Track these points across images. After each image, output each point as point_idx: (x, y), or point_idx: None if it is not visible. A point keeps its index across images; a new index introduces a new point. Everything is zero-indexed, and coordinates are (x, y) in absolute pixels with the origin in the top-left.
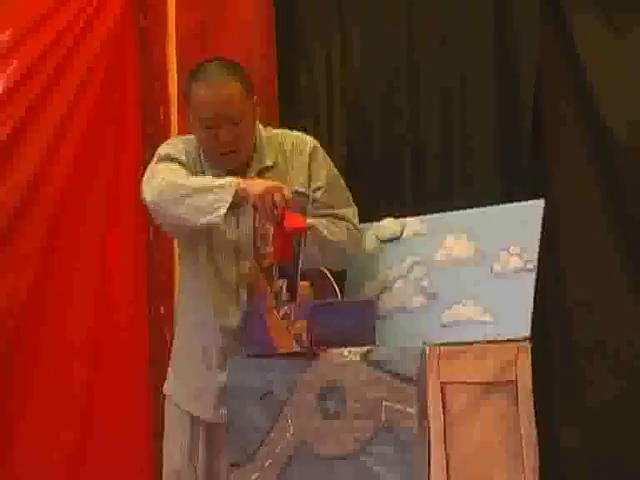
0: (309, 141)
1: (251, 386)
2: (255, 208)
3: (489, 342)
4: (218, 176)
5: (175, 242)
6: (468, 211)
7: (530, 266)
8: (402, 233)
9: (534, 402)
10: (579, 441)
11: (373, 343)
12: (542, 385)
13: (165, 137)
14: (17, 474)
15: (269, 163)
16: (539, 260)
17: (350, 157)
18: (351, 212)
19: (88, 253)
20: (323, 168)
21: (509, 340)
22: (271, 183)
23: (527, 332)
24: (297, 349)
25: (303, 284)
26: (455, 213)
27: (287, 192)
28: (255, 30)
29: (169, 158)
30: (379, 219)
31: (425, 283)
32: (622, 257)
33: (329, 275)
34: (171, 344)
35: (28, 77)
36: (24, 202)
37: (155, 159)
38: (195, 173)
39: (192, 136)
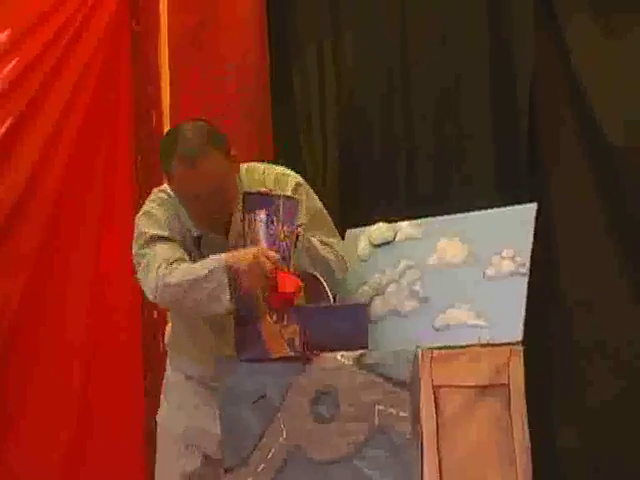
0: (291, 179)
1: (244, 390)
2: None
3: (482, 346)
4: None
5: None
6: (461, 215)
7: (523, 270)
8: (395, 237)
9: (532, 403)
10: (578, 441)
11: (366, 346)
12: (541, 386)
13: (157, 141)
14: (15, 473)
15: (262, 190)
16: (533, 262)
17: (343, 159)
18: (337, 242)
19: (84, 255)
20: (305, 203)
21: (502, 344)
22: (255, 251)
23: (520, 336)
24: (290, 354)
25: None
26: (448, 217)
27: (272, 255)
28: (248, 33)
29: (155, 239)
30: (372, 223)
31: (418, 287)
32: (620, 257)
33: (321, 279)
34: (164, 348)
35: (22, 79)
36: (20, 203)
37: (141, 241)
38: (183, 234)
39: (165, 190)
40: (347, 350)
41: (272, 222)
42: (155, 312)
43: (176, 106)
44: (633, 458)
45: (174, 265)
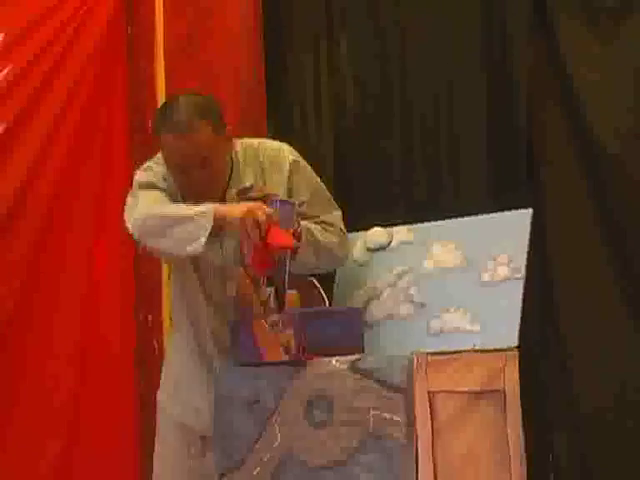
0: (287, 155)
1: (239, 395)
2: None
3: (477, 351)
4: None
5: None
6: (456, 220)
7: (518, 275)
8: (390, 242)
9: (526, 410)
10: (571, 448)
11: (361, 351)
12: (535, 393)
13: (153, 147)
14: None
15: (247, 185)
16: (528, 268)
17: (339, 166)
18: (337, 216)
19: (75, 262)
20: (303, 181)
21: (497, 349)
22: (251, 204)
23: (515, 341)
24: (285, 358)
25: (291, 293)
26: (443, 222)
27: (267, 209)
28: (243, 39)
29: (149, 185)
30: (368, 228)
31: (413, 292)
32: (611, 263)
33: (317, 284)
34: (159, 352)
35: (17, 84)
36: (12, 211)
37: (135, 186)
38: (174, 197)
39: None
40: (342, 354)
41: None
42: (150, 316)
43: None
44: (626, 465)
45: (153, 201)
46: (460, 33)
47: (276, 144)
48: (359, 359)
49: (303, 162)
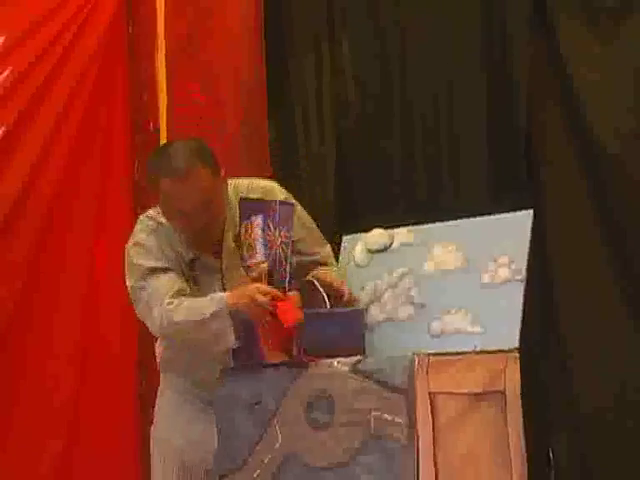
0: (278, 194)
1: (240, 396)
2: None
3: (477, 352)
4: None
5: None
6: (457, 222)
7: (519, 277)
8: (391, 244)
9: (526, 410)
10: (571, 448)
11: (363, 352)
12: (535, 393)
13: (153, 147)
14: None
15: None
16: (528, 269)
17: (339, 167)
18: (328, 250)
19: (76, 262)
20: (296, 219)
21: (498, 350)
22: (250, 290)
23: (516, 342)
24: (287, 360)
25: (292, 295)
26: (443, 224)
27: (267, 289)
28: (244, 39)
29: (152, 271)
30: (368, 230)
31: (414, 293)
32: (612, 264)
33: (318, 285)
34: None
35: (19, 85)
36: (13, 211)
37: (137, 275)
38: (177, 260)
39: (153, 217)
40: (343, 355)
41: (268, 227)
42: None
43: (172, 111)
44: (626, 466)
45: (176, 301)
46: (460, 33)
47: (267, 183)
48: (360, 360)
49: (293, 200)
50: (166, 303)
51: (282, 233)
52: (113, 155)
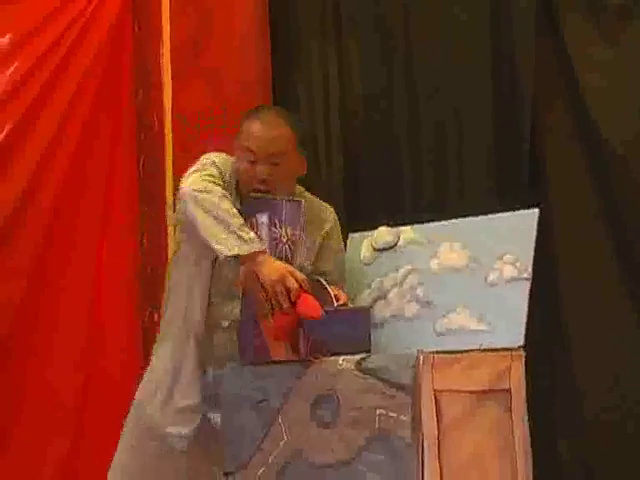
0: (330, 217)
1: (245, 394)
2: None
3: (483, 351)
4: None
5: (169, 250)
6: (463, 220)
7: (524, 275)
8: (397, 242)
9: (530, 411)
10: (576, 452)
11: (369, 350)
12: (540, 397)
13: (159, 146)
14: None
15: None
16: (533, 270)
17: (346, 167)
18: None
19: (82, 261)
20: (332, 252)
21: (503, 349)
22: (285, 269)
23: (521, 341)
24: (293, 357)
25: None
26: (450, 222)
27: (300, 276)
28: (249, 39)
29: (218, 170)
30: (374, 228)
31: (420, 292)
32: (619, 264)
33: (325, 284)
34: None
35: (24, 83)
36: (18, 210)
37: (207, 163)
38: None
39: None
40: (349, 353)
41: (275, 225)
42: (155, 315)
43: (178, 110)
44: (631, 467)
45: (221, 193)
46: (467, 34)
47: (320, 202)
48: (365, 358)
49: (339, 229)
50: (215, 183)
51: (288, 231)
52: (118, 154)
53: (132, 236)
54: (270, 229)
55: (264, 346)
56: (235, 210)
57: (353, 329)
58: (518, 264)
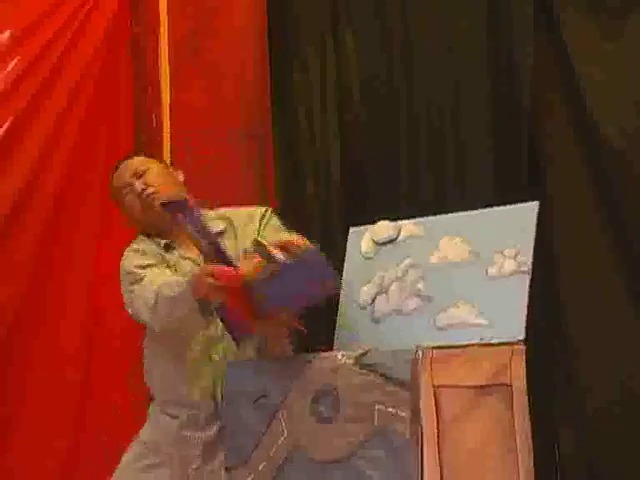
0: (258, 211)
1: (245, 390)
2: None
3: (483, 345)
4: (184, 254)
5: None
6: (463, 214)
7: (525, 269)
8: (398, 235)
9: (532, 405)
10: (578, 446)
11: (338, 287)
12: (541, 391)
13: (157, 144)
14: None
15: (220, 228)
16: (533, 264)
17: (344, 166)
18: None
19: (81, 260)
20: (273, 228)
21: (503, 343)
22: (195, 275)
23: (522, 335)
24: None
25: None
26: (450, 216)
27: (208, 268)
28: (247, 37)
29: (144, 266)
30: (374, 222)
31: (420, 286)
32: (617, 258)
33: (263, 241)
34: None
35: (22, 80)
36: (17, 209)
37: (131, 277)
38: (160, 255)
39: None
40: (319, 296)
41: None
42: None
43: (176, 108)
44: (632, 464)
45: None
46: (466, 33)
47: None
48: (364, 353)
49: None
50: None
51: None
52: (117, 151)
53: (131, 236)
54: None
55: (242, 323)
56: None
57: (310, 273)
58: (518, 258)
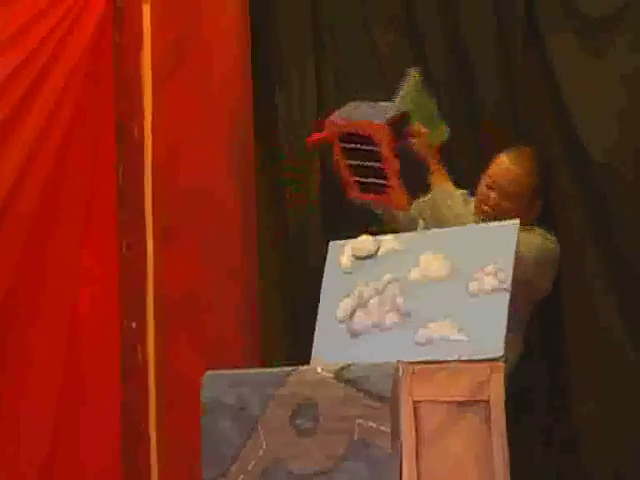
0: None
1: (225, 402)
2: None
3: (463, 361)
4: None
5: (148, 259)
6: (444, 230)
7: (505, 286)
8: (378, 250)
9: (510, 422)
10: (552, 462)
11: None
12: (520, 404)
13: (139, 154)
14: None
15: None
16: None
17: (325, 181)
18: None
19: (61, 268)
20: None
21: (483, 359)
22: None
23: (501, 352)
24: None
25: None
26: (431, 231)
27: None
28: (231, 48)
29: None
30: (356, 236)
31: (400, 301)
32: (604, 270)
33: None
34: (143, 359)
35: (3, 90)
36: (1, 212)
37: None
38: None
39: None
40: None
41: None
42: (134, 323)
43: (158, 119)
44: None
45: None
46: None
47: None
48: (344, 367)
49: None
50: None
51: None
52: (99, 161)
53: (111, 245)
54: None
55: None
56: None
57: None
58: (499, 275)
